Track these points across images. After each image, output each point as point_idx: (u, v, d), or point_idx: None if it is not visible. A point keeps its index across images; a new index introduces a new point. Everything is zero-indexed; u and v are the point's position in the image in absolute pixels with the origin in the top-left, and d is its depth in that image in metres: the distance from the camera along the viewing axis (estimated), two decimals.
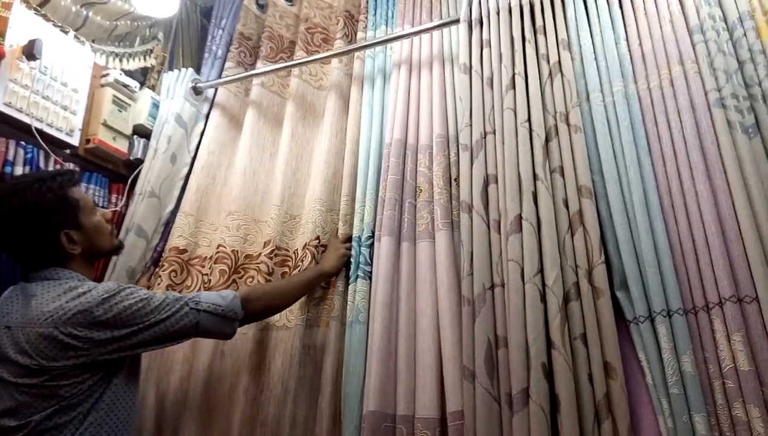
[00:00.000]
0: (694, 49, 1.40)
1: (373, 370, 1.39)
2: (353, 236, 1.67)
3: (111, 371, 1.18)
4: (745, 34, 1.37)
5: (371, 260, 1.59)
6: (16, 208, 1.19)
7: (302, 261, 1.70)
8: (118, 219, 1.94)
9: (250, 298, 1.36)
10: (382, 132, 1.78)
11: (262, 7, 2.36)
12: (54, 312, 1.11)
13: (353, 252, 1.63)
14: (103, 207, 1.91)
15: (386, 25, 2.00)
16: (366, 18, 2.03)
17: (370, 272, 1.57)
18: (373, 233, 1.62)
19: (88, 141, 1.89)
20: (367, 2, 2.07)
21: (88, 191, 1.88)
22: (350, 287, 1.59)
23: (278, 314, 1.61)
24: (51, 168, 1.75)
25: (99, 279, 1.82)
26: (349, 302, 1.56)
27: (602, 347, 1.23)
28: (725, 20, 1.42)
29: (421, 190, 1.60)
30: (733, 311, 1.14)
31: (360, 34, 2.02)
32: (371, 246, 1.61)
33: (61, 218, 1.24)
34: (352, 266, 1.61)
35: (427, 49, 1.84)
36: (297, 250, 1.75)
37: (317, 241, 1.71)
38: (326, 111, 1.93)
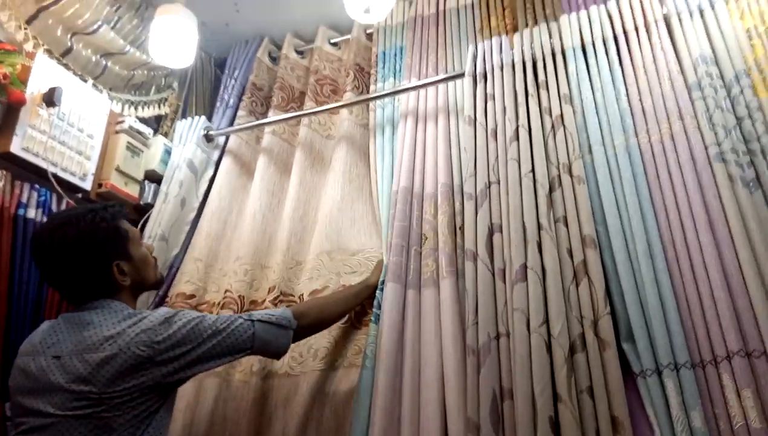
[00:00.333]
0: (693, 105, 1.44)
1: (376, 422, 1.37)
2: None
3: (159, 400, 1.16)
4: (742, 92, 1.41)
5: (379, 304, 1.58)
6: (71, 238, 1.20)
7: None
8: None
9: (301, 309, 1.39)
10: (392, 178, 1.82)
11: (274, 60, 2.45)
12: (117, 336, 1.11)
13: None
14: None
15: (394, 78, 2.07)
16: (376, 71, 2.10)
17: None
18: None
19: (100, 185, 1.93)
20: (377, 56, 2.14)
21: None
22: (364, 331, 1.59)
23: (282, 359, 1.60)
24: None
25: None
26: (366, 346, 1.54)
27: (609, 401, 1.21)
28: (722, 78, 1.46)
29: (427, 237, 1.62)
30: (742, 365, 1.13)
31: (372, 87, 2.08)
32: (383, 290, 1.60)
33: (113, 249, 1.26)
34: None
35: (433, 101, 1.89)
36: (303, 295, 1.75)
37: (325, 289, 1.71)
38: (337, 160, 1.97)
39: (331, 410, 1.53)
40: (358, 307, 1.65)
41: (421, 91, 1.92)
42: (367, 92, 2.12)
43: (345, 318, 1.65)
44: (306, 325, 1.39)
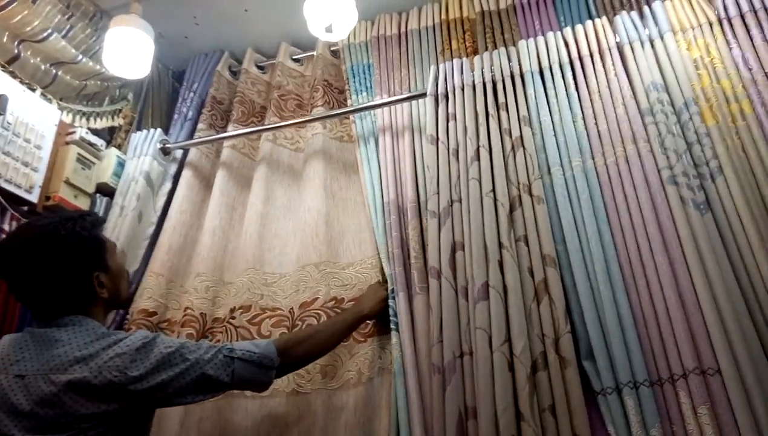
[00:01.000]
0: (646, 129, 1.50)
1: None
2: None
3: (129, 428, 1.09)
4: (691, 118, 1.48)
5: (395, 312, 1.56)
6: (50, 245, 1.12)
7: (302, 321, 1.66)
8: None
9: (286, 345, 1.30)
10: (380, 191, 1.81)
11: (234, 74, 2.41)
12: (89, 358, 1.04)
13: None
14: None
15: (366, 93, 2.07)
16: (349, 86, 2.10)
17: (397, 325, 1.54)
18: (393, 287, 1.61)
19: (48, 198, 1.83)
20: (346, 72, 2.14)
21: None
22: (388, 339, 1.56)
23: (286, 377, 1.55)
24: (7, 224, 1.68)
25: None
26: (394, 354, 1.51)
27: (571, 420, 1.22)
28: (672, 105, 1.53)
29: (409, 252, 1.62)
30: (697, 383, 1.16)
31: (348, 101, 2.07)
32: (394, 299, 1.58)
33: (94, 259, 1.19)
34: None
35: (400, 118, 1.90)
36: (293, 308, 1.70)
37: (334, 301, 1.68)
38: (314, 173, 1.94)
39: (347, 427, 1.50)
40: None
41: (391, 107, 1.93)
42: (338, 107, 2.11)
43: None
44: (290, 362, 1.30)
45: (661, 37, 1.64)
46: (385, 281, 1.64)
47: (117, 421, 1.05)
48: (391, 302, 1.58)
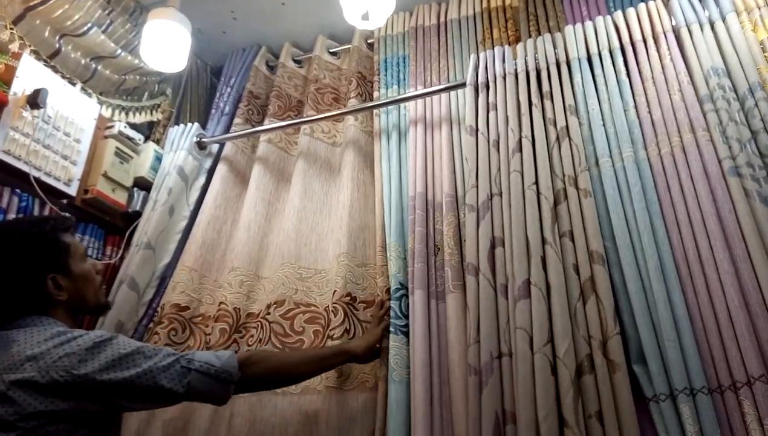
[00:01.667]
0: (705, 117, 1.39)
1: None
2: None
3: (79, 431, 1.05)
4: (756, 105, 1.36)
5: (401, 313, 1.51)
6: (3, 248, 1.14)
7: (334, 315, 1.61)
8: (112, 273, 1.88)
9: (249, 361, 1.22)
10: (397, 185, 1.76)
11: (271, 69, 2.40)
12: (39, 356, 1.02)
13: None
14: (97, 259, 1.85)
15: (398, 85, 2.01)
16: (378, 79, 2.05)
17: (402, 327, 1.49)
18: (402, 285, 1.56)
19: (86, 191, 1.85)
20: (378, 64, 2.10)
21: (83, 242, 1.82)
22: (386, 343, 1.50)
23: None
24: None
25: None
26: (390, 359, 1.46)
27: (620, 428, 1.13)
28: (735, 90, 1.41)
29: (439, 248, 1.56)
30: (764, 392, 1.06)
31: (375, 94, 2.03)
32: (401, 299, 1.53)
33: (49, 261, 1.17)
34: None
35: (437, 110, 1.84)
36: (328, 306, 1.67)
37: (349, 297, 1.63)
38: (344, 166, 1.91)
39: (353, 427, 1.46)
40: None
41: (427, 99, 1.87)
42: (371, 100, 2.06)
43: (350, 334, 1.57)
44: (252, 377, 1.22)
45: (723, 19, 1.52)
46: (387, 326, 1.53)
47: (69, 421, 1.02)
48: (394, 303, 1.51)
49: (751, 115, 1.35)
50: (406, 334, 1.47)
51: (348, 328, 1.58)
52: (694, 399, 1.11)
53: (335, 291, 1.65)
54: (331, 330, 1.59)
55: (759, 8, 1.49)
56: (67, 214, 1.72)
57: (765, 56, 1.42)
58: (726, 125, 1.35)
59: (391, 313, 1.51)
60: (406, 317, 1.50)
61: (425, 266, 1.52)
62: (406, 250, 1.61)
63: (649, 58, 1.55)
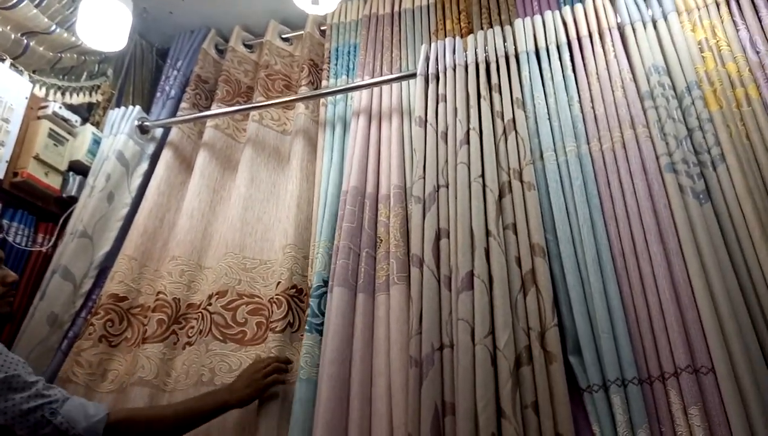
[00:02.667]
0: (645, 114, 1.42)
1: (317, 434, 1.26)
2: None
3: None
4: (693, 103, 1.40)
5: (319, 311, 1.49)
6: None
7: (278, 307, 1.57)
8: (43, 261, 1.78)
9: (120, 425, 1.15)
10: (339, 179, 1.73)
11: (221, 52, 2.33)
12: None
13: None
14: (26, 247, 1.75)
15: (347, 75, 1.99)
16: (329, 67, 2.02)
17: (317, 325, 1.47)
18: (324, 282, 1.53)
19: (15, 174, 1.75)
20: (329, 52, 2.06)
21: (11, 229, 1.72)
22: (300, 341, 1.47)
23: (210, 372, 1.48)
24: None
25: (17, 324, 1.65)
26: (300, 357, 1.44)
27: (555, 418, 1.15)
28: (674, 88, 1.45)
29: (381, 240, 1.54)
30: (689, 382, 1.09)
31: (324, 82, 2.00)
32: (320, 297, 1.51)
33: None
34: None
35: (387, 100, 1.82)
36: (272, 298, 1.62)
37: (294, 289, 1.60)
38: (293, 155, 1.87)
39: (267, 426, 1.41)
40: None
41: (375, 89, 1.85)
42: (320, 88, 2.02)
43: (294, 327, 1.54)
44: None
45: (665, 18, 1.56)
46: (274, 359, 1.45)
47: None
48: (313, 300, 1.50)
49: (688, 114, 1.40)
50: (320, 332, 1.46)
51: (291, 321, 1.55)
52: (625, 389, 1.14)
53: (279, 283, 1.61)
54: (273, 323, 1.55)
55: (698, 9, 1.54)
56: None
57: (702, 56, 1.46)
58: (664, 122, 1.39)
59: (309, 311, 1.49)
60: (323, 314, 1.48)
61: (347, 262, 1.49)
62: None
63: (594, 54, 1.58)
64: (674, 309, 1.16)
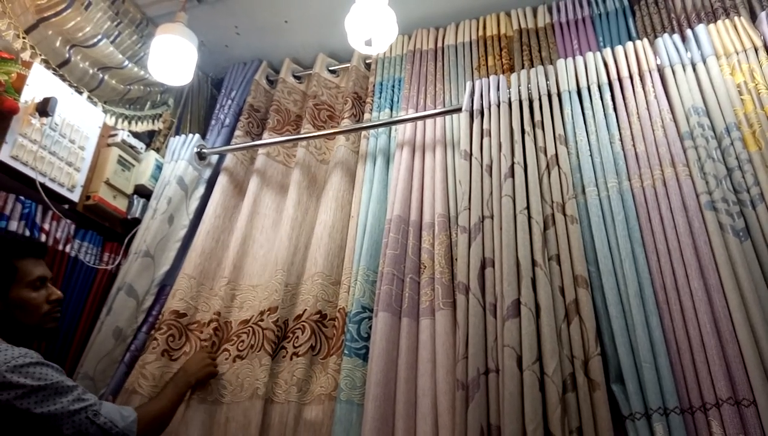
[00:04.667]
0: (685, 153, 1.48)
1: None
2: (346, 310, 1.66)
3: None
4: (732, 144, 1.46)
5: (359, 336, 1.58)
6: None
7: (293, 333, 1.68)
8: (108, 279, 1.91)
9: (146, 421, 1.31)
10: (378, 208, 1.82)
11: (271, 83, 2.47)
12: None
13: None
14: (94, 265, 1.88)
15: (390, 108, 2.10)
16: (372, 100, 2.13)
17: (357, 349, 1.56)
18: (364, 308, 1.62)
19: (88, 197, 1.89)
20: (374, 86, 2.17)
21: (81, 248, 1.86)
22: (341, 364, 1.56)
23: (267, 386, 1.58)
24: (48, 223, 1.74)
25: (83, 339, 1.77)
26: (339, 380, 1.53)
27: None
28: (713, 129, 1.51)
29: (425, 266, 1.62)
30: (731, 413, 1.14)
31: (366, 115, 2.11)
32: (359, 322, 1.60)
33: None
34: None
35: (431, 133, 1.91)
36: (288, 320, 1.73)
37: (319, 315, 1.70)
38: (330, 185, 1.98)
39: None
40: None
41: (419, 122, 1.95)
42: (362, 120, 2.13)
43: (315, 350, 1.65)
44: (144, 433, 1.29)
45: (704, 61, 1.62)
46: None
47: None
48: (353, 326, 1.58)
49: (727, 154, 1.45)
50: (361, 356, 1.55)
51: (313, 345, 1.66)
52: (667, 418, 1.19)
53: (306, 310, 1.71)
54: (297, 347, 1.65)
55: (737, 53, 1.60)
56: (68, 223, 1.77)
57: (741, 99, 1.52)
58: (704, 162, 1.45)
59: (347, 335, 1.58)
60: (364, 339, 1.57)
61: (391, 287, 1.58)
62: (376, 273, 1.67)
63: (634, 94, 1.65)
64: (715, 342, 1.21)
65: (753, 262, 1.29)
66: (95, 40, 1.89)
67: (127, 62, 2.02)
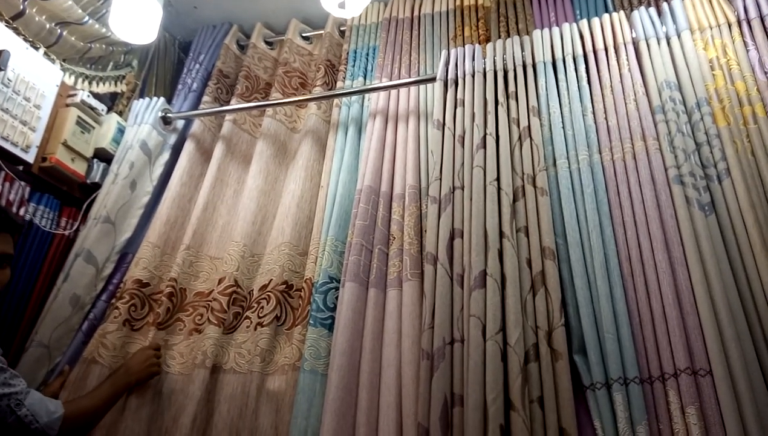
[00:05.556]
0: (656, 127, 1.48)
1: (326, 422, 1.33)
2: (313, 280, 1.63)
3: None
4: (702, 119, 1.46)
5: (324, 306, 1.56)
6: None
7: (257, 303, 1.64)
8: (65, 244, 1.84)
9: (73, 417, 1.26)
10: (349, 179, 1.79)
11: (242, 48, 2.38)
12: None
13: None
14: (50, 230, 1.81)
15: (364, 77, 2.05)
16: (345, 68, 2.08)
17: (323, 319, 1.54)
18: (332, 278, 1.60)
19: (44, 159, 1.81)
20: (347, 54, 2.12)
21: (37, 212, 1.78)
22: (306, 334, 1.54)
23: (228, 356, 1.55)
24: (0, 183, 1.66)
25: (38, 305, 1.71)
26: (304, 350, 1.50)
27: (559, 413, 1.21)
28: (684, 104, 1.51)
29: (394, 238, 1.60)
30: (688, 383, 1.15)
31: (339, 84, 2.05)
32: (326, 292, 1.58)
33: None
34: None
35: (404, 103, 1.88)
36: (252, 290, 1.70)
37: (285, 285, 1.66)
38: (301, 154, 1.93)
39: (272, 410, 1.48)
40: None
41: (392, 91, 1.91)
42: (335, 89, 2.08)
43: (280, 320, 1.62)
44: (71, 431, 1.26)
45: (678, 35, 1.61)
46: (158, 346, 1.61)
47: None
48: (319, 296, 1.56)
49: (697, 129, 1.45)
50: (327, 326, 1.53)
51: (278, 315, 1.63)
52: (627, 388, 1.20)
53: (271, 280, 1.68)
54: (262, 317, 1.62)
55: (711, 28, 1.59)
56: (22, 184, 1.69)
57: (713, 74, 1.52)
58: (674, 136, 1.45)
59: (313, 305, 1.56)
60: (330, 309, 1.55)
61: (359, 258, 1.55)
62: (345, 244, 1.65)
63: (609, 67, 1.63)
64: (676, 314, 1.22)
65: (716, 236, 1.30)
66: None
67: (87, 18, 1.92)
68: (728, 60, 1.53)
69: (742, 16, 1.59)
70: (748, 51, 1.54)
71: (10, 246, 1.27)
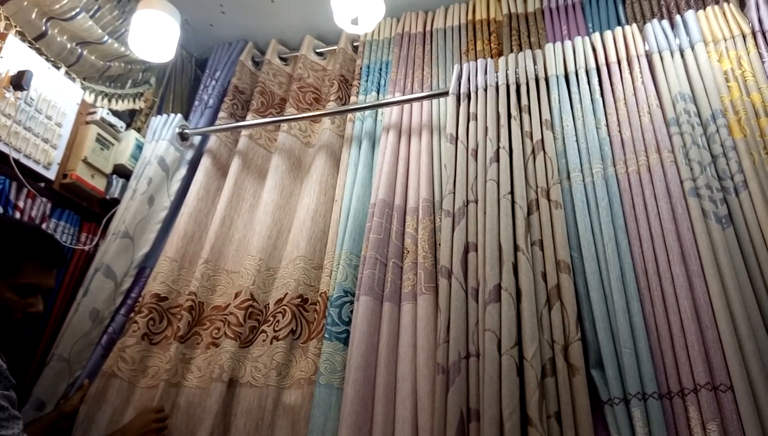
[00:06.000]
0: (670, 139, 1.47)
1: None
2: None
3: None
4: (717, 131, 1.45)
5: (339, 320, 1.56)
6: None
7: (273, 317, 1.65)
8: (85, 259, 1.88)
9: None
10: (363, 193, 1.80)
11: (257, 64, 2.42)
12: None
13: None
14: (71, 245, 1.84)
15: (377, 92, 2.07)
16: (359, 83, 2.10)
17: (338, 333, 1.54)
18: (346, 292, 1.60)
19: (65, 176, 1.84)
20: (361, 69, 2.14)
21: (58, 228, 1.82)
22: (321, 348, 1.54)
23: (244, 370, 1.56)
24: (22, 200, 1.69)
25: (59, 320, 1.73)
26: (319, 363, 1.51)
27: (576, 428, 1.20)
28: (699, 116, 1.50)
29: (408, 251, 1.60)
30: (708, 398, 1.14)
31: (353, 98, 2.08)
32: (341, 306, 1.58)
33: None
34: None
35: (417, 117, 1.89)
36: (269, 304, 1.71)
37: (300, 299, 1.67)
38: (315, 169, 1.95)
39: (288, 424, 1.48)
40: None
41: (405, 106, 1.92)
42: (349, 103, 2.10)
43: (296, 334, 1.62)
44: None
45: (692, 48, 1.61)
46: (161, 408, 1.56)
47: None
48: (334, 310, 1.56)
49: (713, 141, 1.45)
50: (342, 340, 1.53)
51: (294, 329, 1.64)
52: (645, 403, 1.19)
53: (287, 294, 1.68)
54: (278, 331, 1.63)
55: (725, 40, 1.59)
56: (44, 201, 1.72)
57: (728, 86, 1.51)
58: (689, 148, 1.44)
59: (328, 319, 1.56)
60: (345, 323, 1.55)
61: (374, 272, 1.56)
62: (359, 257, 1.65)
63: (622, 80, 1.63)
64: (695, 328, 1.21)
65: (734, 249, 1.29)
66: (73, 13, 1.83)
67: (107, 38, 1.97)
68: (743, 71, 1.53)
69: (757, 27, 1.58)
70: (763, 62, 1.53)
71: (54, 280, 1.29)
